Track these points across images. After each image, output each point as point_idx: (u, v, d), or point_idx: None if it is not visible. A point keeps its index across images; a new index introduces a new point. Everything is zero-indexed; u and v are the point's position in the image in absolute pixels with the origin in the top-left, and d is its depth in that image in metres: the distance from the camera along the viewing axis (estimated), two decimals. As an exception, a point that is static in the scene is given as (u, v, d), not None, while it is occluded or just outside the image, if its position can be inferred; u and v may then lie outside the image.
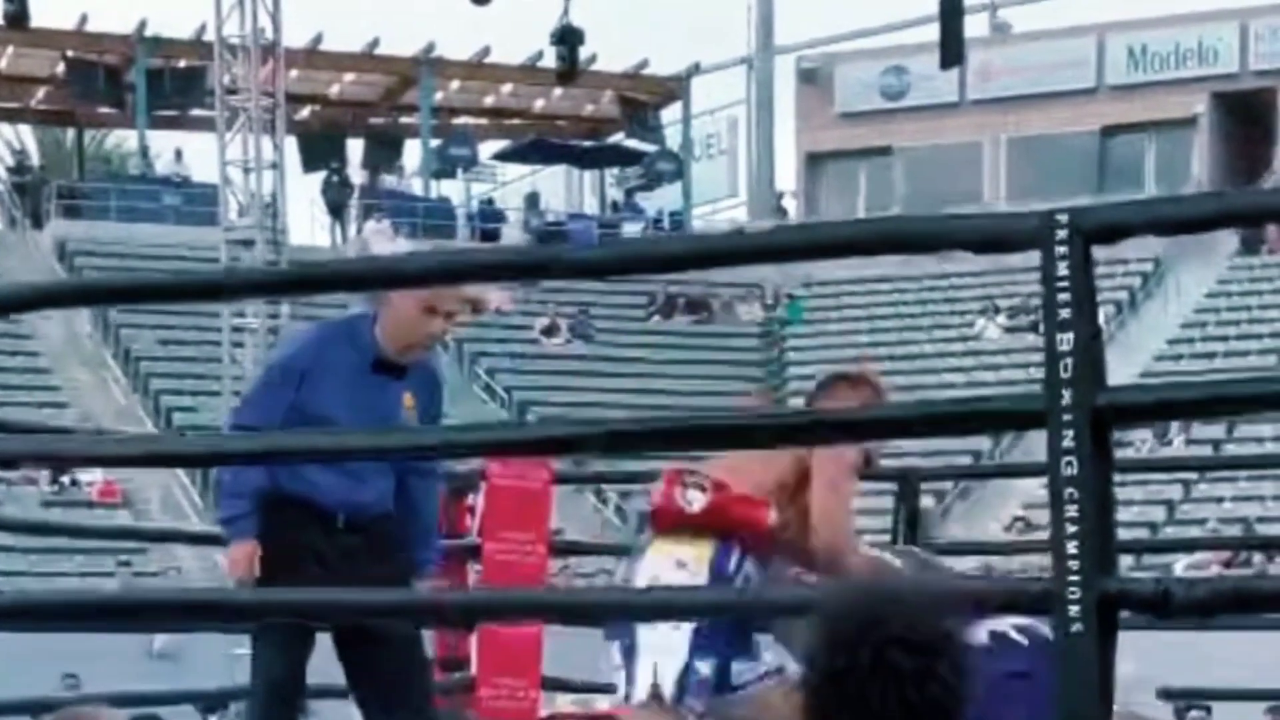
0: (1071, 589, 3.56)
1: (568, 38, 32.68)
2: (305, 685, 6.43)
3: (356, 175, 39.19)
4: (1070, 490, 3.56)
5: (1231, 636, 10.82)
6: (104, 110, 38.88)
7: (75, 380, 32.68)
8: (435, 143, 39.66)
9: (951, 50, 28.46)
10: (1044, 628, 4.45)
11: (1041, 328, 3.66)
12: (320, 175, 38.03)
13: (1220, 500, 29.32)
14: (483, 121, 41.81)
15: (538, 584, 8.30)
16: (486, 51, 38.83)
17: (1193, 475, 29.52)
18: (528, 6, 31.53)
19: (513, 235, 38.35)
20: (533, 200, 41.25)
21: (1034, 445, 3.72)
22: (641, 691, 5.71)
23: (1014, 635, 5.20)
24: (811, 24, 52.42)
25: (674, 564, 5.66)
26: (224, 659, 17.29)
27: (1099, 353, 3.63)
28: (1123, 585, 3.67)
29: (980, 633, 4.87)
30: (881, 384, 6.02)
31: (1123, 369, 28.43)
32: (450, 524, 7.93)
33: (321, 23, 38.49)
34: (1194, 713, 16.82)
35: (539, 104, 41.39)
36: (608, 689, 6.08)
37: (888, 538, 8.40)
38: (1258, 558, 23.77)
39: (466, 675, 8.31)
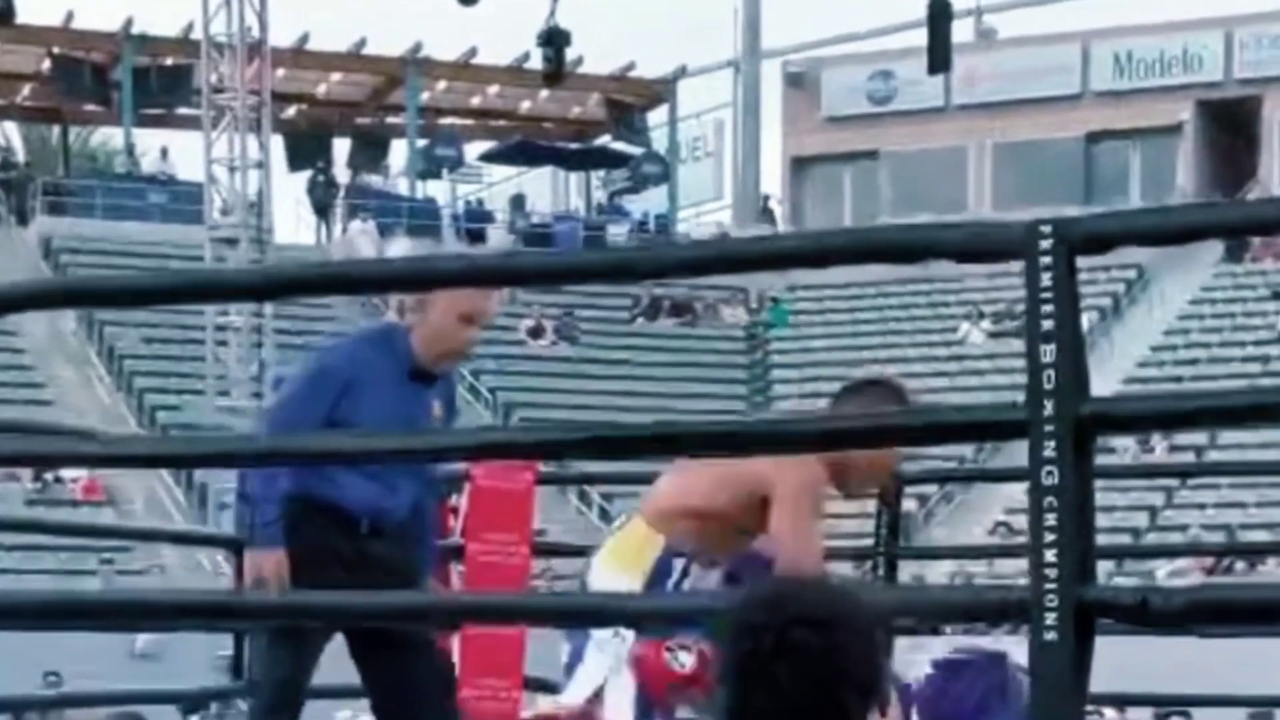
0: (1049, 597, 3.55)
1: (554, 39, 32.69)
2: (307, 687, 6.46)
3: (342, 175, 39.18)
4: (1050, 499, 3.56)
5: (1212, 641, 10.82)
6: (90, 108, 38.84)
7: (60, 378, 32.65)
8: (421, 143, 39.66)
9: (938, 55, 28.54)
10: (1012, 651, 4.38)
11: (1025, 336, 3.67)
12: (306, 174, 38.02)
13: (1203, 507, 29.36)
14: (469, 122, 41.81)
15: (521, 585, 8.32)
16: (473, 52, 38.84)
17: (1175, 482, 29.55)
18: (515, 8, 31.58)
19: (499, 236, 38.33)
20: (518, 202, 41.25)
21: (1017, 450, 3.73)
22: (580, 695, 5.71)
23: (979, 656, 5.19)
24: (798, 28, 52.49)
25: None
26: (206, 660, 17.30)
27: (1082, 363, 3.64)
28: (1100, 594, 3.66)
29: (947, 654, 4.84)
30: (906, 388, 5.97)
31: (1106, 376, 28.53)
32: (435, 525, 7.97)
33: (308, 22, 38.48)
34: (1174, 719, 16.81)
35: (525, 105, 41.40)
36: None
37: (870, 541, 8.42)
38: (1240, 564, 23.83)
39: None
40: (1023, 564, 3.62)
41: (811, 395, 29.37)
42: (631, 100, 40.91)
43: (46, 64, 37.19)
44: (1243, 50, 39.30)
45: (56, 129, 41.39)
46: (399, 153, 40.11)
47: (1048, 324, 3.60)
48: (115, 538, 25.47)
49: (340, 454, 5.08)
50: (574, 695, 5.74)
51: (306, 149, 38.25)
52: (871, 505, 8.27)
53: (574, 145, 41.82)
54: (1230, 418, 4.06)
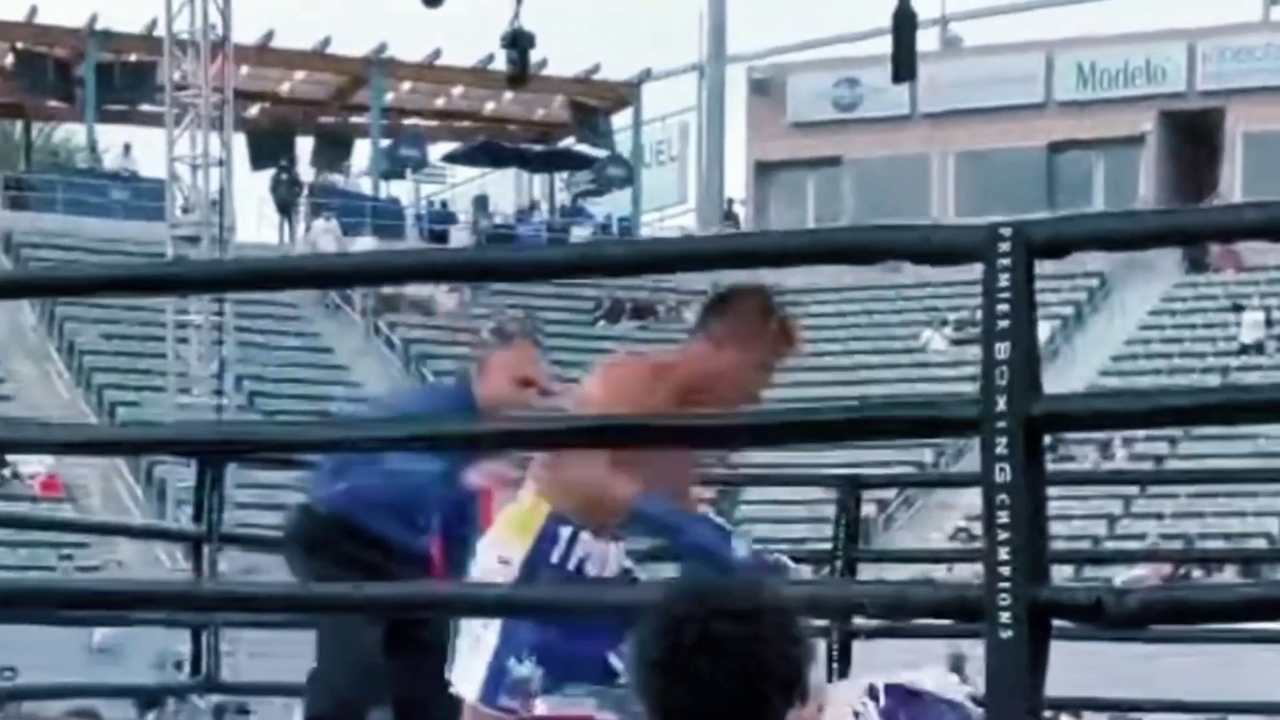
0: (1002, 595, 3.56)
1: (519, 41, 32.59)
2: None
3: (306, 174, 39.09)
4: (1002, 497, 3.57)
5: (1170, 647, 10.83)
6: (53, 103, 38.73)
7: (18, 373, 32.54)
8: (385, 143, 39.61)
9: (903, 64, 28.50)
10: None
11: (981, 333, 3.68)
12: (269, 173, 37.93)
13: (1161, 516, 29.44)
14: (433, 123, 41.76)
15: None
16: (438, 53, 38.80)
17: (1134, 490, 29.64)
18: (479, 9, 31.53)
19: (462, 237, 38.29)
20: (482, 202, 41.20)
21: (979, 456, 3.73)
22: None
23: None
24: (764, 33, 52.36)
25: (497, 560, 5.60)
26: (162, 655, 17.26)
27: (1035, 362, 3.65)
28: (1055, 594, 3.66)
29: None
30: (775, 300, 5.59)
31: (1067, 383, 28.54)
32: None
33: (272, 20, 38.28)
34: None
35: (489, 106, 41.36)
36: None
37: (828, 545, 8.44)
38: (1197, 573, 23.89)
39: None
40: (981, 569, 3.62)
41: (770, 400, 29.33)
42: (596, 103, 40.90)
43: (9, 59, 37.06)
44: (1205, 62, 39.46)
45: (19, 124, 41.26)
46: (362, 152, 40.04)
47: (1004, 323, 3.61)
48: (76, 532, 25.38)
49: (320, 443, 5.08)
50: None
51: (269, 147, 38.15)
52: (830, 510, 8.28)
53: (538, 147, 41.79)
54: (1180, 417, 4.09)
